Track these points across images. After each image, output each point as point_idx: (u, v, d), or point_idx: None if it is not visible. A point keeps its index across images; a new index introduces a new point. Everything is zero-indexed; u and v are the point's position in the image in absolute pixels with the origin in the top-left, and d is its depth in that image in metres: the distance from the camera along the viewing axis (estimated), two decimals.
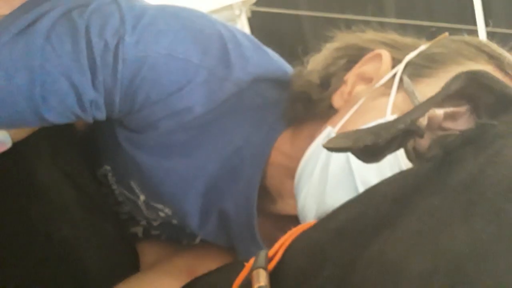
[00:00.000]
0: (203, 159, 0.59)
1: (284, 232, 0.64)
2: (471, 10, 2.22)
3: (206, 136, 0.58)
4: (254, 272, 0.35)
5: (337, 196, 0.48)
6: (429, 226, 0.27)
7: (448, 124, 0.32)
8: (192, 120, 0.57)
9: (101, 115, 0.55)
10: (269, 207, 0.61)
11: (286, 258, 0.37)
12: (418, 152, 0.31)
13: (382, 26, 0.61)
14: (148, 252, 0.70)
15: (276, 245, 0.39)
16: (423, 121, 0.31)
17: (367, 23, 0.61)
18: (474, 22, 2.16)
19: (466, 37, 0.54)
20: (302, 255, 0.36)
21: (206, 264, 0.65)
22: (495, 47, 0.52)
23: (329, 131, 0.52)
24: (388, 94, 0.50)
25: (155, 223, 0.69)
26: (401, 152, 0.45)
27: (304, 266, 0.35)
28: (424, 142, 0.32)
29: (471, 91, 0.31)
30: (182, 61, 0.54)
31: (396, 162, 0.45)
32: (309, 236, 0.38)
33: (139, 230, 0.71)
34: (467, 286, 0.22)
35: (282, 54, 0.66)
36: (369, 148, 0.30)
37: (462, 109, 0.32)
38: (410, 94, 0.48)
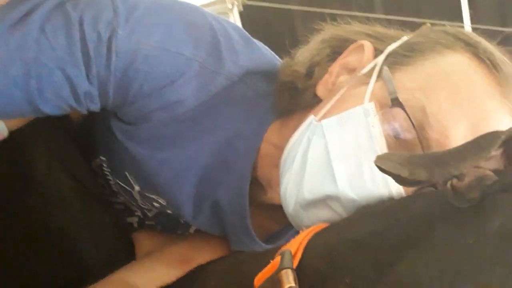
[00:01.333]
0: (196, 150, 0.60)
1: (275, 221, 0.66)
2: (458, 7, 2.24)
3: (198, 128, 0.59)
4: (283, 272, 0.37)
5: (314, 182, 0.49)
6: (465, 262, 0.30)
7: (482, 163, 0.35)
8: (184, 113, 0.58)
9: (96, 107, 0.56)
10: (260, 197, 0.62)
11: (304, 258, 0.39)
12: (457, 191, 0.34)
13: (370, 21, 0.62)
14: (143, 241, 0.72)
15: (294, 245, 0.40)
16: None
17: (355, 18, 0.62)
18: (460, 19, 2.19)
19: (446, 27, 0.55)
20: (320, 259, 0.38)
21: (201, 253, 0.66)
22: (472, 35, 0.53)
23: (311, 120, 0.53)
24: (368, 83, 0.51)
25: (150, 214, 0.70)
26: (379, 140, 0.46)
27: (323, 269, 0.37)
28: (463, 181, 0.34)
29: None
30: (174, 54, 0.55)
31: (372, 148, 0.47)
32: (326, 241, 0.40)
33: (134, 221, 0.72)
34: None
35: (272, 48, 0.67)
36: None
37: (497, 152, 0.35)
38: (387, 82, 0.49)
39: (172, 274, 0.62)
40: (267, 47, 0.66)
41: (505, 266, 0.28)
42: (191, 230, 0.70)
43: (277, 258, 0.39)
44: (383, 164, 0.35)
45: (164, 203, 0.64)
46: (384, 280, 0.32)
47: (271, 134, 0.60)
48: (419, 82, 0.49)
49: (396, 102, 0.48)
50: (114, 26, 0.53)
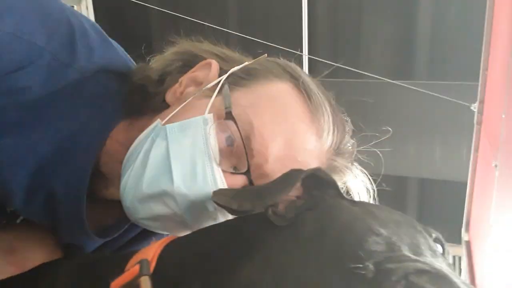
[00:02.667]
0: (36, 140, 0.59)
1: (110, 215, 0.68)
2: (300, 37, 2.52)
3: (41, 118, 0.59)
4: (142, 279, 0.42)
5: (153, 178, 0.55)
6: (288, 264, 0.39)
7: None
8: (28, 101, 0.57)
9: None
10: (100, 191, 0.64)
11: (159, 266, 0.45)
12: (278, 214, 0.45)
13: (222, 35, 0.69)
14: None
15: (149, 254, 0.46)
16: None
17: (211, 29, 0.69)
18: (301, 47, 2.46)
19: (278, 59, 0.66)
20: (173, 267, 0.45)
21: (27, 244, 0.65)
22: (297, 69, 0.64)
23: (157, 123, 0.58)
24: (210, 97, 0.59)
25: None
26: (213, 146, 0.55)
27: (176, 275, 0.44)
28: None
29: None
30: (26, 42, 0.54)
31: (206, 152, 0.55)
32: (178, 251, 0.47)
33: None
34: None
35: (125, 38, 0.70)
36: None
37: (298, 184, 0.47)
38: (225, 98, 0.58)
39: None
40: (122, 49, 0.69)
41: (316, 262, 0.39)
42: (18, 221, 0.67)
43: (136, 266, 0.44)
44: (218, 199, 0.46)
45: None
46: (228, 285, 0.40)
47: (118, 132, 0.63)
48: (251, 102, 0.58)
49: (230, 115, 0.56)
50: None
